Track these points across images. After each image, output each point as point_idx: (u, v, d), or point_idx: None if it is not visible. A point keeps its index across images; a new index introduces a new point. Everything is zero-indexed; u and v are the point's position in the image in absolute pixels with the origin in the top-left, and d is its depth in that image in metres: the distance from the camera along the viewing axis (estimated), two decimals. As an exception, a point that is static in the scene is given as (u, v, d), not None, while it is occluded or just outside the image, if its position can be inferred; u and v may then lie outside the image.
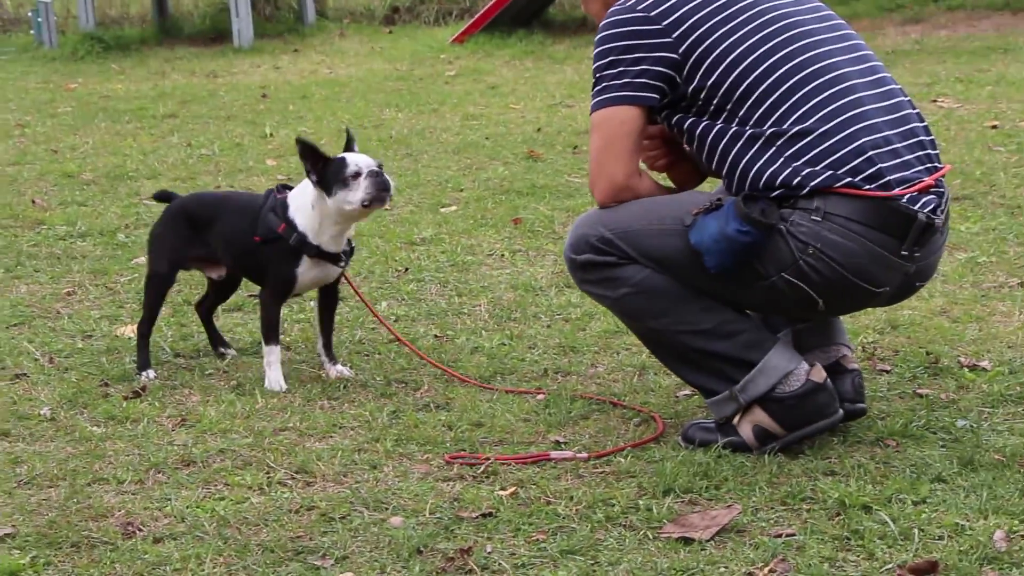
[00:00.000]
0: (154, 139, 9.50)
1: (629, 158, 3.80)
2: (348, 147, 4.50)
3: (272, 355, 4.50)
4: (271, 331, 4.51)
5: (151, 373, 4.66)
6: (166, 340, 5.00)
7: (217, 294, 4.94)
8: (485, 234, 6.49)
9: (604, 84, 3.77)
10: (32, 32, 15.98)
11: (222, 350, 4.87)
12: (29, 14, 16.60)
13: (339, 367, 4.59)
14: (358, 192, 4.36)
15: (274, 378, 4.48)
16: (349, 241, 4.56)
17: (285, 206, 4.47)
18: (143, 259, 6.06)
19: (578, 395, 4.31)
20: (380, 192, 4.38)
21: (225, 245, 4.61)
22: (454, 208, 7.06)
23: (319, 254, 4.46)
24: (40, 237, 6.65)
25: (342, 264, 4.52)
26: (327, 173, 4.38)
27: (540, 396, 4.32)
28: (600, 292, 3.87)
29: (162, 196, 4.92)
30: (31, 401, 4.40)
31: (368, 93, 11.40)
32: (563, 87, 11.31)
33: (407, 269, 5.91)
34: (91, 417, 4.25)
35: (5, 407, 4.34)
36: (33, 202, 7.43)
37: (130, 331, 5.02)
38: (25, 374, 4.67)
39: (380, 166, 4.41)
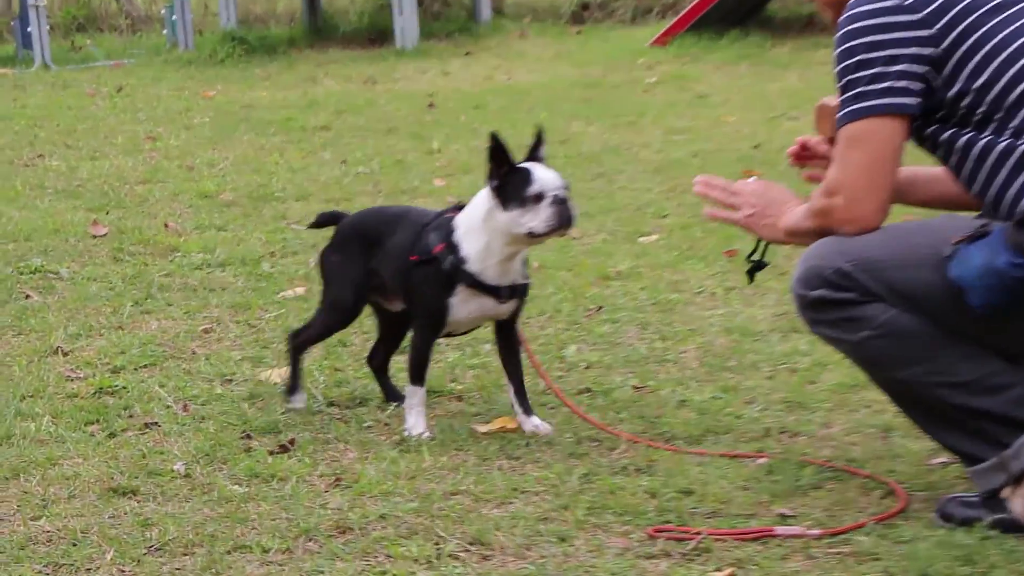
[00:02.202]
0: (304, 155, 9.68)
1: (893, 179, 3.75)
2: (534, 153, 4.51)
3: (415, 396, 4.56)
4: (418, 370, 4.56)
5: (301, 399, 4.80)
6: (318, 387, 5.05)
7: (387, 342, 4.95)
8: (693, 268, 6.47)
9: (859, 89, 3.71)
10: (165, 32, 16.43)
11: (398, 405, 4.82)
12: (163, 11, 17.06)
13: (535, 420, 4.58)
14: (535, 219, 4.38)
15: (414, 423, 4.54)
16: (525, 275, 4.55)
17: (451, 226, 4.51)
18: (291, 292, 6.16)
19: (808, 460, 4.25)
20: (561, 224, 4.39)
21: (387, 263, 4.64)
22: (655, 237, 7.06)
23: (475, 284, 4.47)
24: (173, 266, 6.80)
25: (502, 299, 4.53)
26: (508, 183, 4.42)
27: (761, 460, 4.28)
28: (836, 335, 3.82)
29: (326, 220, 4.94)
30: (163, 455, 4.48)
31: (553, 103, 11.48)
32: (786, 97, 11.26)
33: (600, 308, 5.92)
34: (231, 474, 4.31)
35: (134, 461, 4.43)
36: (166, 226, 7.61)
37: (276, 375, 5.10)
38: (156, 423, 4.76)
39: (567, 189, 4.41)
